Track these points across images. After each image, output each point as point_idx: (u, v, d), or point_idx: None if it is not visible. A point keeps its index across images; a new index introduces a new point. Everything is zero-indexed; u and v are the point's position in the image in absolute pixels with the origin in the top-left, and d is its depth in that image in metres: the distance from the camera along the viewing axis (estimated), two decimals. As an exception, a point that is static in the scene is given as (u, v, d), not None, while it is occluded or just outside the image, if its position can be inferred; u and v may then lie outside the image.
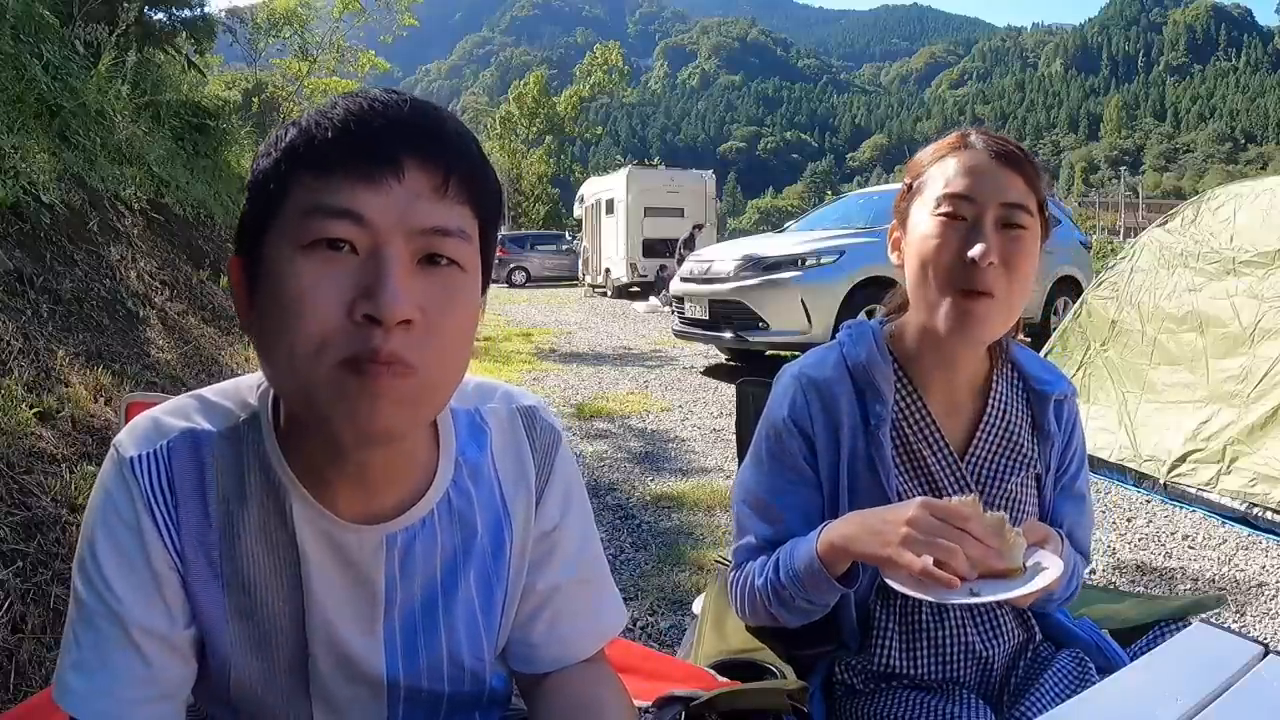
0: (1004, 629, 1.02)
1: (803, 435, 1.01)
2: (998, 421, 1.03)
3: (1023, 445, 1.04)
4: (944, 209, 0.94)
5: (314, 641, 0.69)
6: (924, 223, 0.95)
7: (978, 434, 1.02)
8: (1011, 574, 0.83)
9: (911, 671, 1.00)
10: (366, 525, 0.68)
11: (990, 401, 1.03)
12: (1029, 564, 0.90)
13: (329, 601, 0.69)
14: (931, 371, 1.02)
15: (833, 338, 1.10)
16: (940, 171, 0.96)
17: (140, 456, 0.65)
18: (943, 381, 1.02)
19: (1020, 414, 1.05)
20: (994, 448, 1.02)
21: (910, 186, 1.00)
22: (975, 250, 0.90)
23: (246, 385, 0.71)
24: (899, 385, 1.02)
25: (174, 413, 0.69)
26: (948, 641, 1.00)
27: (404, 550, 0.70)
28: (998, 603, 0.94)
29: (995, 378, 1.04)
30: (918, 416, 1.01)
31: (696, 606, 1.28)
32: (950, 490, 1.00)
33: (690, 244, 14.04)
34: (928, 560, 0.80)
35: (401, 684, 0.73)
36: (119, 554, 0.64)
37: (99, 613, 0.64)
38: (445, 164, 0.60)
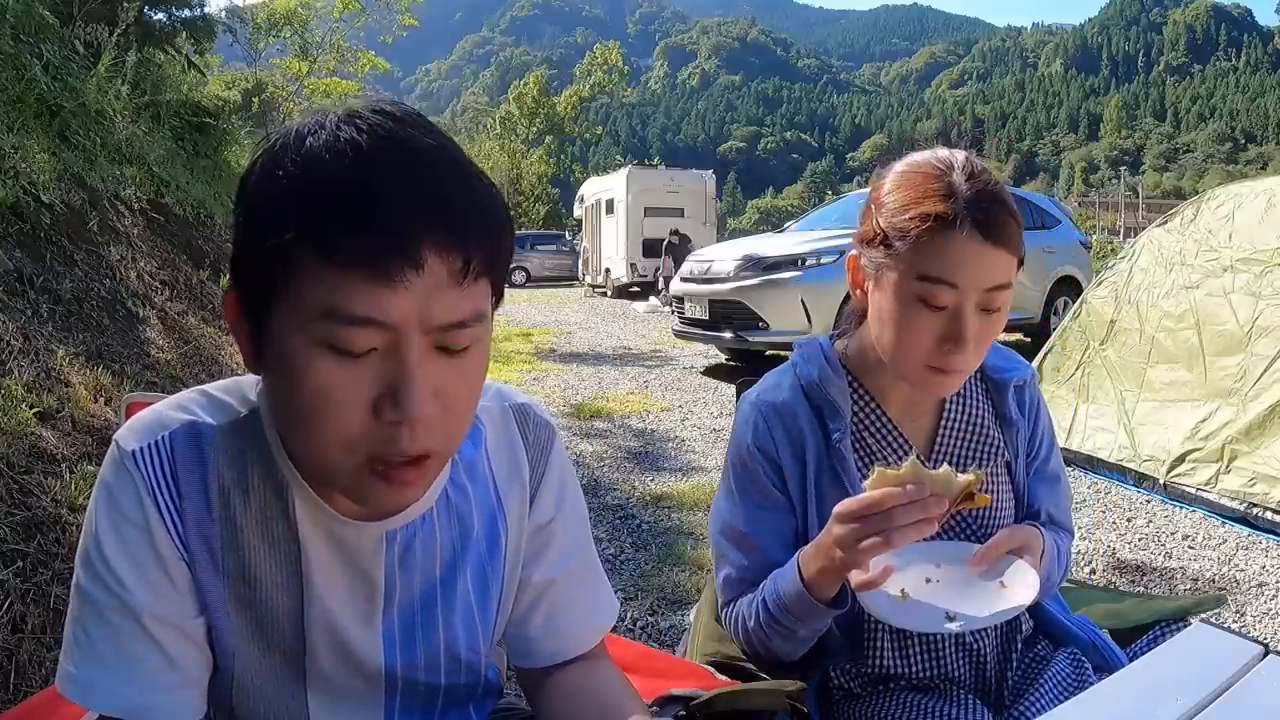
0: None
1: (769, 461, 1.01)
2: (959, 416, 1.03)
3: (988, 435, 1.04)
4: (922, 294, 0.88)
5: (312, 633, 0.70)
6: (894, 302, 0.90)
7: (940, 431, 1.02)
8: (968, 505, 0.82)
9: (906, 672, 1.00)
10: (367, 521, 0.69)
11: (950, 399, 1.03)
12: (1006, 576, 0.90)
13: (329, 595, 0.69)
14: (886, 382, 1.02)
15: None
16: (918, 248, 0.87)
17: (141, 449, 0.65)
18: (899, 389, 1.02)
19: (981, 405, 1.05)
20: (959, 442, 1.03)
21: (884, 239, 0.90)
22: (954, 347, 0.88)
23: (248, 383, 0.71)
24: (855, 396, 1.02)
25: (175, 406, 0.69)
26: (939, 640, 1.00)
27: (404, 547, 0.71)
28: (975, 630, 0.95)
29: None
30: (878, 424, 1.02)
31: (696, 610, 1.28)
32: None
33: (672, 248, 13.99)
34: (868, 575, 0.82)
35: (399, 676, 0.74)
36: (124, 546, 0.64)
37: (109, 606, 0.64)
38: (466, 248, 0.56)
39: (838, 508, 0.83)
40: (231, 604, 0.68)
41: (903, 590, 0.89)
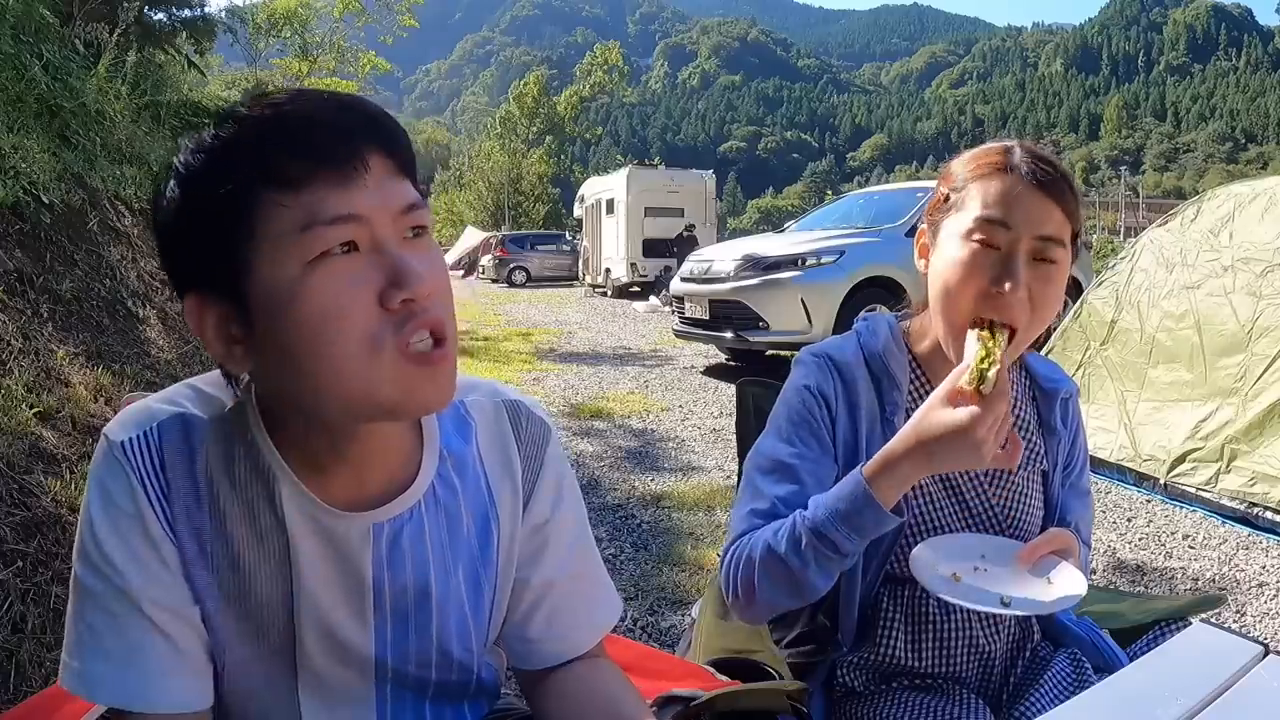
0: (1005, 623, 1.03)
1: (825, 404, 1.01)
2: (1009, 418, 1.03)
3: (1031, 441, 1.05)
4: (978, 235, 0.92)
5: (302, 625, 0.70)
6: (955, 245, 0.94)
7: None
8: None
9: (915, 664, 1.01)
10: (354, 513, 0.69)
11: None
12: (1053, 575, 0.91)
13: (318, 587, 0.69)
14: (945, 370, 1.02)
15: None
16: (978, 191, 0.93)
17: (130, 440, 0.66)
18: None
19: (1028, 411, 1.06)
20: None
21: (946, 198, 0.98)
22: (1005, 286, 0.89)
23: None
24: (913, 377, 1.03)
25: (164, 399, 0.70)
26: (953, 635, 1.00)
27: (390, 541, 0.71)
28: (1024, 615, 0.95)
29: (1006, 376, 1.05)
30: None
31: (696, 610, 1.28)
32: (960, 482, 1.01)
33: (682, 243, 14.03)
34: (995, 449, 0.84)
35: (389, 668, 0.74)
36: (119, 535, 0.65)
37: (109, 595, 0.64)
38: (394, 144, 0.64)
39: (975, 414, 0.83)
40: (221, 596, 0.68)
41: (954, 574, 0.90)
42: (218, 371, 0.71)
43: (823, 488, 0.95)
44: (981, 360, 0.84)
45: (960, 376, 0.85)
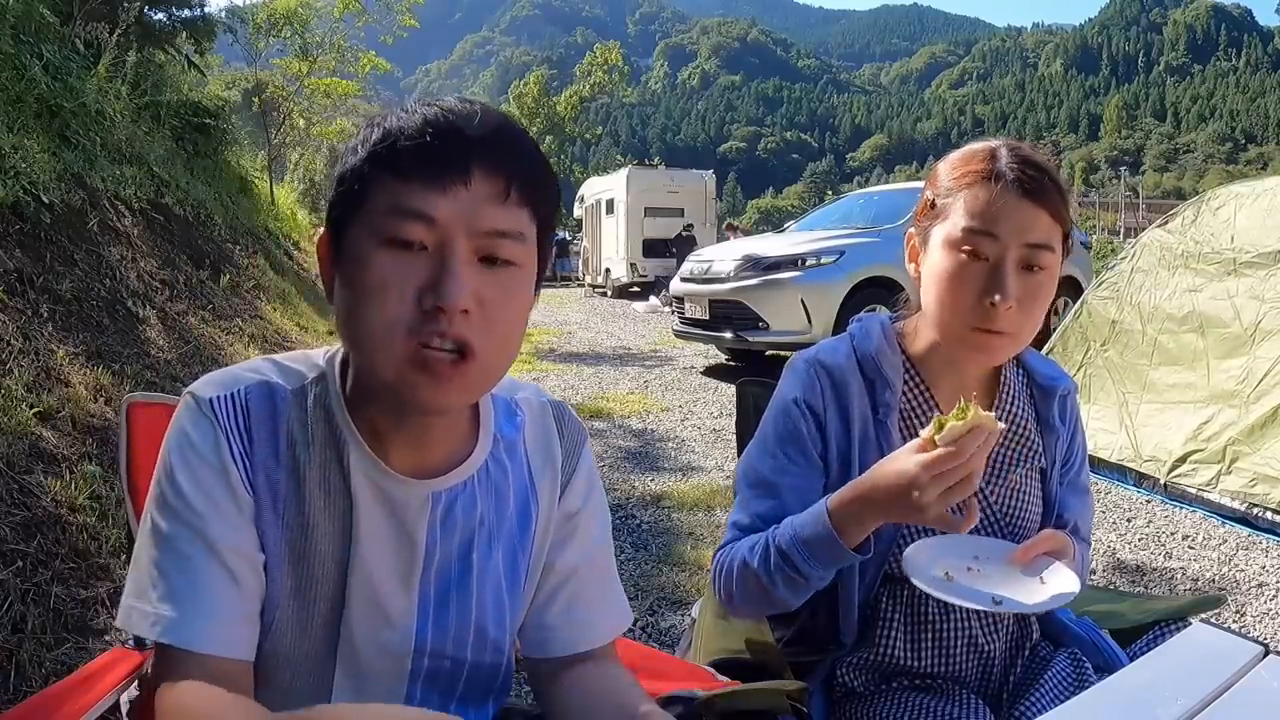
0: (1004, 622, 1.04)
1: (814, 417, 1.01)
2: (1005, 416, 1.04)
3: (1028, 438, 1.05)
4: (965, 247, 0.92)
5: (352, 591, 0.73)
6: (944, 255, 0.94)
7: None
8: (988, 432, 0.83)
9: (914, 664, 1.01)
10: (416, 480, 0.74)
11: (999, 396, 1.04)
12: (1046, 575, 0.92)
13: (373, 552, 0.73)
14: (940, 370, 1.03)
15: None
16: (964, 201, 0.93)
17: (219, 397, 0.71)
18: (951, 378, 1.03)
19: (1025, 408, 1.06)
20: (1002, 440, 1.03)
21: (933, 205, 0.98)
22: (997, 297, 0.90)
23: (316, 353, 0.78)
24: (907, 378, 1.03)
25: (250, 369, 0.75)
26: (952, 634, 1.01)
27: (446, 509, 0.76)
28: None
29: (1004, 374, 1.05)
30: (926, 409, 1.02)
31: (696, 611, 1.28)
32: None
33: (681, 243, 14.04)
34: (943, 511, 0.82)
35: (427, 650, 0.76)
36: (198, 483, 0.68)
37: (184, 538, 0.67)
38: (508, 172, 0.66)
39: (922, 464, 0.81)
40: (286, 551, 0.72)
41: (946, 573, 0.91)
42: (298, 352, 0.79)
43: (804, 503, 0.97)
44: (957, 414, 0.83)
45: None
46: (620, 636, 0.88)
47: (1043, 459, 1.05)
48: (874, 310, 1.25)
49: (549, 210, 0.71)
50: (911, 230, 1.03)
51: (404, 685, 0.76)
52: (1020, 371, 1.08)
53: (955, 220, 0.93)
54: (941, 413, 1.01)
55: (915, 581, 0.89)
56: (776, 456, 1.02)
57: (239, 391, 0.72)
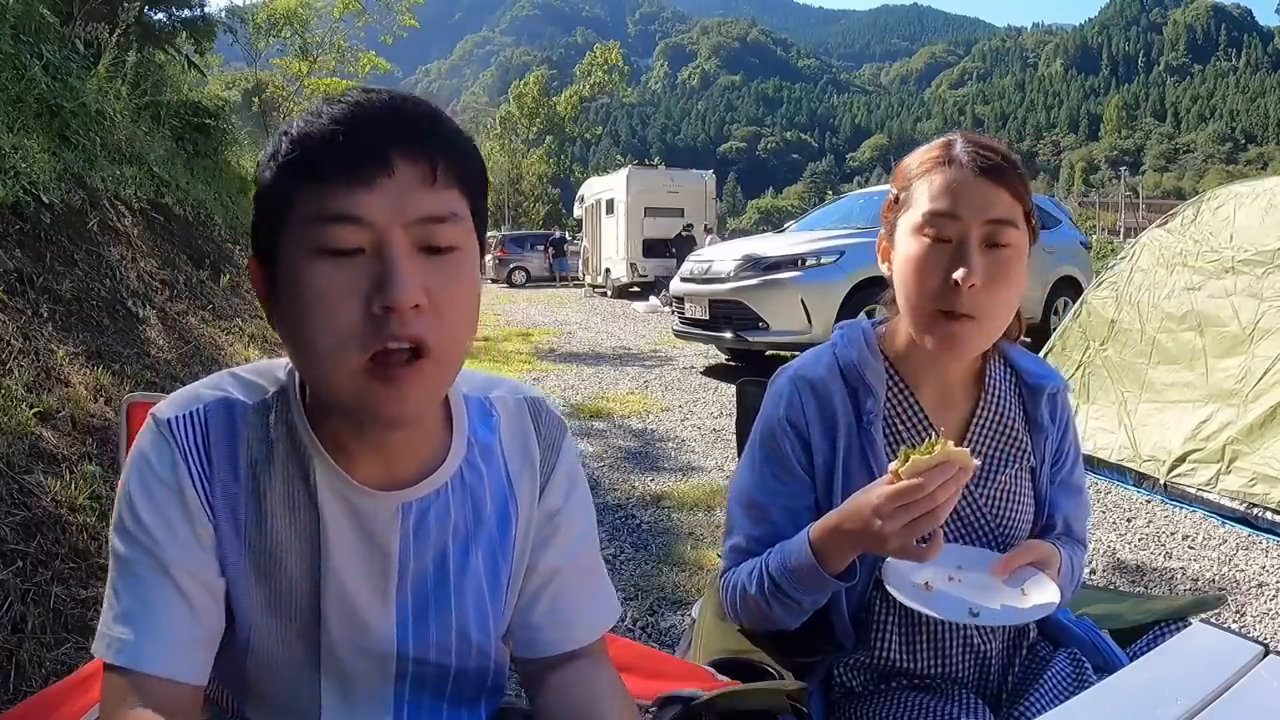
0: None
1: (798, 434, 1.02)
2: (992, 415, 1.04)
3: (1017, 438, 1.05)
4: (928, 230, 0.94)
5: (328, 606, 0.72)
6: (909, 242, 0.96)
7: (972, 427, 1.03)
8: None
9: (911, 666, 1.01)
10: (384, 492, 0.72)
11: (984, 396, 1.04)
12: (1028, 586, 0.92)
13: (345, 567, 0.71)
14: (922, 371, 1.03)
15: None
16: (925, 187, 0.96)
17: (177, 418, 0.69)
18: (934, 379, 1.03)
19: (1013, 407, 1.06)
20: (989, 440, 1.03)
21: (897, 199, 1.01)
22: (958, 274, 0.90)
23: (278, 364, 0.75)
24: (890, 383, 1.03)
25: (210, 385, 0.73)
26: (947, 635, 1.01)
27: (418, 519, 0.73)
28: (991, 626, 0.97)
29: (989, 373, 1.05)
30: (911, 413, 1.02)
31: (696, 611, 1.28)
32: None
33: (680, 243, 14.06)
34: (908, 542, 0.85)
35: (410, 657, 0.75)
36: (155, 505, 0.67)
37: (138, 560, 0.67)
38: (430, 153, 0.63)
39: (884, 495, 0.84)
40: (252, 574, 0.70)
41: (926, 582, 0.91)
42: (261, 362, 0.77)
43: (796, 521, 1.00)
44: (925, 448, 0.84)
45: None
46: (619, 636, 0.88)
47: (1032, 458, 1.05)
48: (874, 309, 1.26)
49: (479, 188, 0.68)
50: (882, 231, 1.04)
51: (391, 687, 0.76)
52: (1008, 371, 1.08)
53: (918, 207, 0.95)
54: (926, 416, 1.02)
55: (892, 591, 0.89)
56: (765, 477, 1.04)
57: (198, 411, 0.70)
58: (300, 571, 0.71)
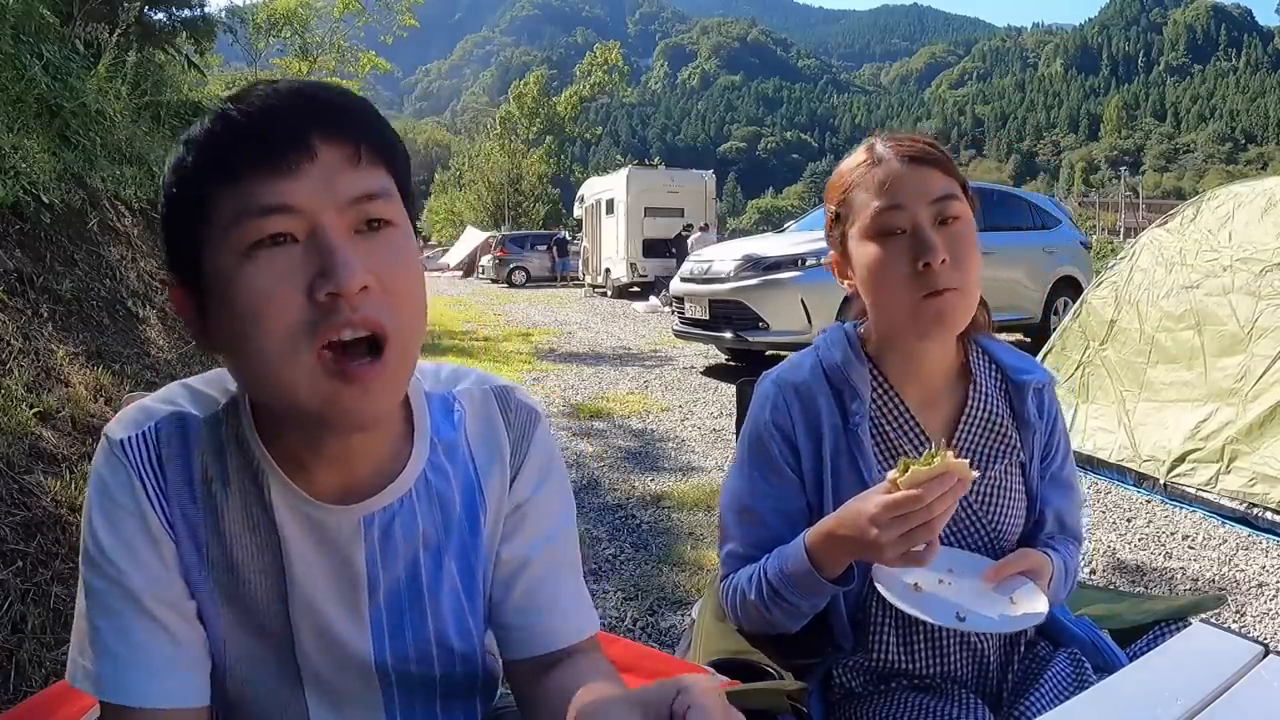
0: None
1: (784, 438, 1.02)
2: (980, 411, 1.04)
3: (1006, 434, 1.05)
4: (880, 228, 0.96)
5: (298, 623, 0.70)
6: (865, 248, 0.98)
7: (960, 424, 1.03)
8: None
9: (909, 667, 1.01)
10: (343, 506, 0.69)
11: (972, 393, 1.04)
12: (1017, 594, 0.92)
13: (310, 583, 0.69)
14: (902, 369, 1.04)
15: None
16: (862, 193, 0.98)
17: (129, 438, 0.67)
18: (916, 377, 1.04)
19: (1000, 404, 1.06)
20: (977, 438, 1.04)
21: (837, 215, 1.02)
22: (927, 257, 0.92)
23: (228, 373, 0.71)
24: (875, 383, 1.04)
25: (161, 399, 0.70)
26: (944, 636, 1.01)
27: (383, 531, 0.70)
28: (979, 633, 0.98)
29: (974, 368, 1.06)
30: (897, 414, 1.03)
31: (696, 611, 1.28)
32: None
33: (680, 243, 14.08)
34: (900, 550, 0.85)
35: (390, 669, 0.73)
36: (118, 533, 0.65)
37: (111, 593, 0.65)
38: (353, 132, 0.61)
39: (881, 504, 0.85)
40: (218, 592, 0.69)
41: (916, 584, 0.92)
42: (212, 371, 0.72)
43: (789, 524, 1.01)
44: (925, 459, 0.84)
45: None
46: (619, 636, 0.87)
47: (1021, 454, 1.05)
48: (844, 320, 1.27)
49: (404, 166, 0.66)
50: (832, 252, 1.06)
51: (379, 695, 0.74)
52: (993, 367, 1.08)
53: (863, 211, 0.97)
54: (912, 415, 1.03)
55: (881, 590, 0.90)
56: (755, 481, 1.04)
57: (150, 428, 0.67)
58: (266, 589, 0.69)
